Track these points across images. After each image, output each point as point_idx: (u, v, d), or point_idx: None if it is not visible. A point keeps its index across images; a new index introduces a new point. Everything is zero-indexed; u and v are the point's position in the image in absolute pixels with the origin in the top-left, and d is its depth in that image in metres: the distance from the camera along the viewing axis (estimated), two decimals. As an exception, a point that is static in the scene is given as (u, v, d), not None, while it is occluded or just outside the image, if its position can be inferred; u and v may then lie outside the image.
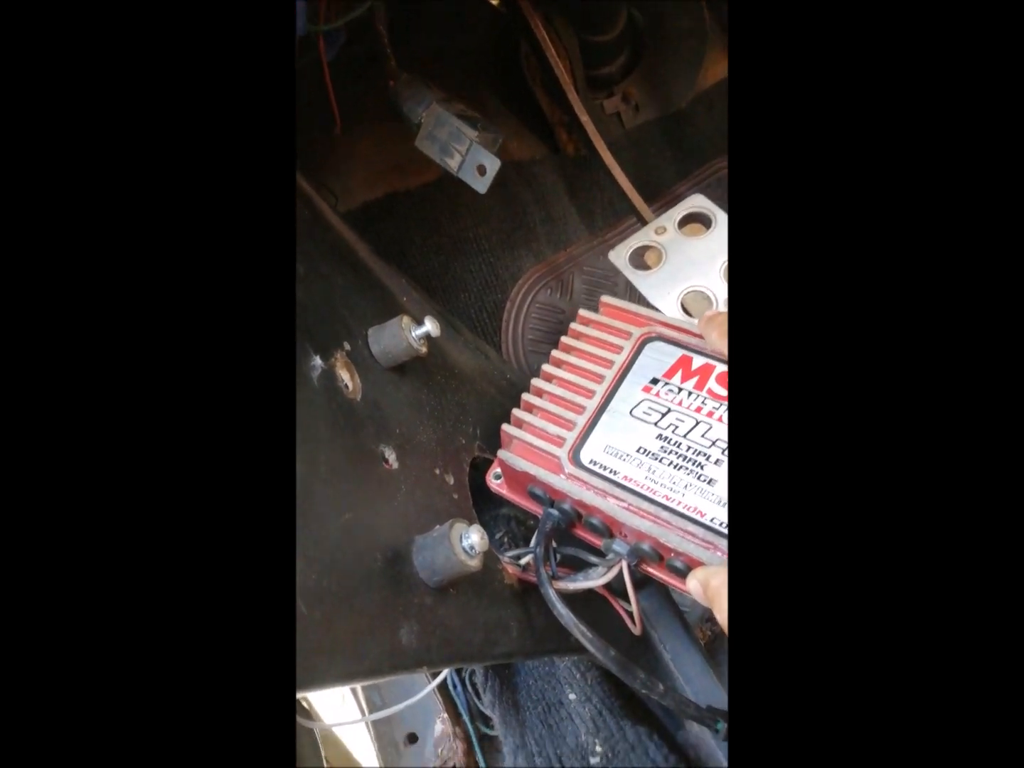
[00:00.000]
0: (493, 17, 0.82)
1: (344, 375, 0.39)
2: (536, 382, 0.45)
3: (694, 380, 0.42)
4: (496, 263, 0.76)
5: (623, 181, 0.70)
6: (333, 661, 0.29)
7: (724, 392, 0.41)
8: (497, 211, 0.79)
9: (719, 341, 0.40)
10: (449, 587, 0.37)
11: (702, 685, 0.49)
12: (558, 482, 0.41)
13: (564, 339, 0.47)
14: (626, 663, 0.38)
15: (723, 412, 0.40)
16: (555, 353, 0.46)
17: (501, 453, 0.43)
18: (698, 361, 0.42)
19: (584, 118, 0.72)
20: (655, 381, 0.42)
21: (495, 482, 0.46)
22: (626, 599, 0.42)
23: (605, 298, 0.48)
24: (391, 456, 0.40)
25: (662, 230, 0.65)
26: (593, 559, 0.42)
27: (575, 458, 0.41)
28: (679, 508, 0.38)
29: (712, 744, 0.48)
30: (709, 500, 0.38)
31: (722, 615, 0.32)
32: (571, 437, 0.42)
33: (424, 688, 0.51)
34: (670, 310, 0.61)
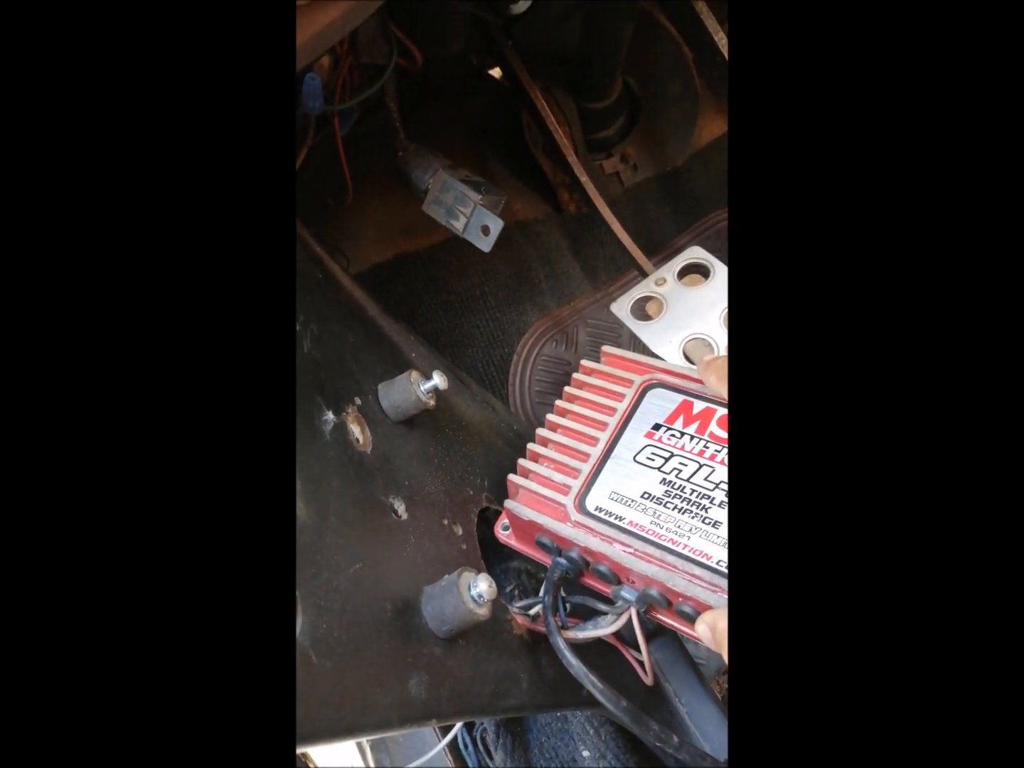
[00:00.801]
0: (496, 89, 0.87)
1: (355, 429, 0.41)
2: (541, 432, 0.46)
3: (696, 424, 0.43)
4: (503, 318, 0.79)
5: (623, 236, 0.72)
6: (341, 712, 0.30)
7: (725, 435, 0.41)
8: (503, 269, 0.82)
9: (718, 384, 0.41)
10: (459, 637, 0.37)
11: (719, 740, 0.47)
12: (564, 530, 0.41)
13: (567, 389, 0.48)
14: (639, 714, 0.38)
15: (725, 455, 0.41)
16: (559, 403, 0.47)
17: (508, 503, 0.44)
18: (699, 406, 0.43)
19: (584, 179, 0.75)
20: (657, 427, 0.43)
21: (503, 533, 0.46)
22: (638, 649, 0.42)
23: (606, 348, 0.49)
24: (400, 507, 0.40)
25: (662, 281, 0.67)
26: (602, 607, 0.42)
27: (581, 505, 0.42)
28: (685, 552, 0.38)
29: (734, 802, 0.46)
30: (714, 543, 0.38)
31: None
32: (576, 485, 0.42)
33: (435, 747, 0.50)
34: (672, 358, 0.62)
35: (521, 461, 0.46)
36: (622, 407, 0.45)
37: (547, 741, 0.50)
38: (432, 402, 0.44)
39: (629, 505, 0.41)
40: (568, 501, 0.42)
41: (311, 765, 0.54)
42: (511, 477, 0.45)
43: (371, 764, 0.56)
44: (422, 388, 0.44)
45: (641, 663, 0.43)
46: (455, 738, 0.52)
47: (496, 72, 0.87)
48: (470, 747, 0.52)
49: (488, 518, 0.48)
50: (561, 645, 0.39)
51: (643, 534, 0.39)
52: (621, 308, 0.66)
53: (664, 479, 0.41)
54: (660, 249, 0.86)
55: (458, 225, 0.56)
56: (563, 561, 0.42)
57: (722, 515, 0.39)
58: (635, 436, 0.43)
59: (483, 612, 0.35)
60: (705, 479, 0.40)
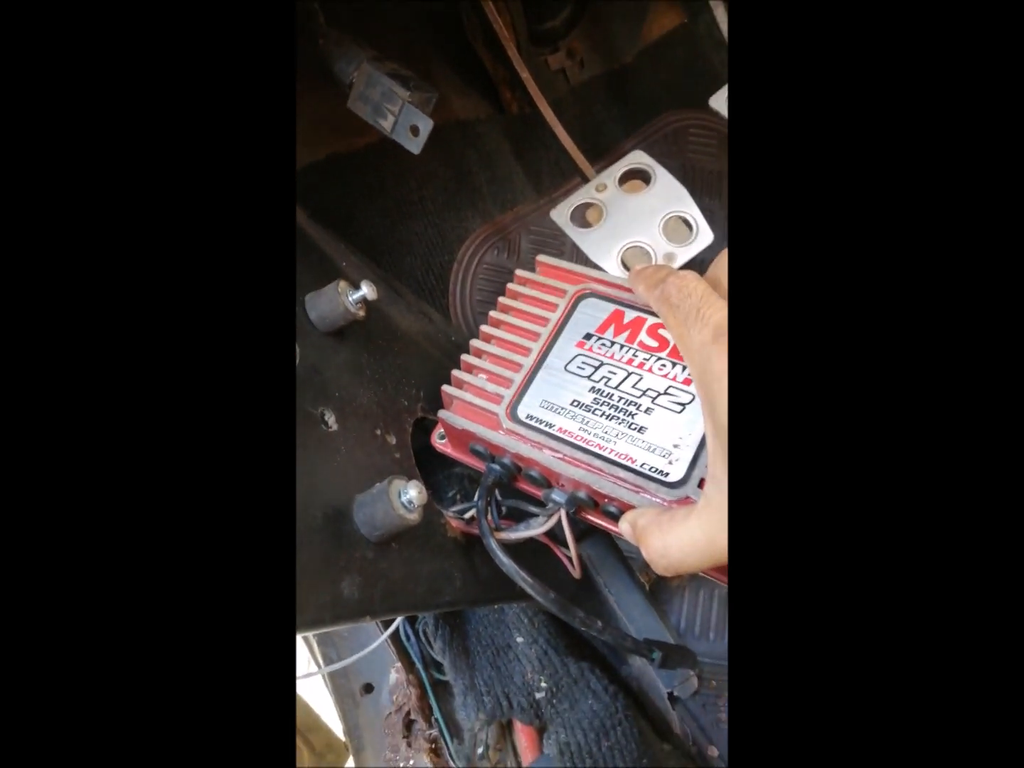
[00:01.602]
0: (431, -30, 0.80)
1: (281, 340, 0.40)
2: (475, 343, 0.46)
3: (626, 334, 0.43)
4: (442, 224, 0.76)
5: (565, 140, 0.69)
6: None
7: (655, 343, 0.42)
8: (442, 172, 0.78)
9: (646, 293, 0.41)
10: (391, 541, 0.38)
11: (645, 624, 0.51)
12: (496, 438, 0.42)
13: (502, 299, 0.48)
14: (566, 604, 0.40)
15: (654, 363, 0.42)
16: (493, 313, 0.47)
17: (442, 413, 0.44)
18: (630, 315, 0.44)
19: (525, 75, 0.71)
20: (589, 336, 0.44)
21: (439, 442, 0.47)
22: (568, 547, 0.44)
23: (541, 257, 0.48)
24: (331, 418, 0.40)
25: (603, 187, 0.65)
26: (534, 509, 0.43)
27: (513, 414, 0.42)
28: (611, 456, 0.40)
29: (653, 676, 0.51)
30: (639, 447, 0.39)
31: (647, 551, 0.34)
32: (509, 394, 0.43)
33: (376, 639, 0.53)
34: (611, 267, 0.62)
35: (455, 372, 0.46)
36: (555, 317, 0.45)
37: (484, 630, 0.53)
38: (362, 313, 0.43)
39: (559, 413, 0.42)
40: (500, 410, 0.42)
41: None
42: (445, 388, 0.45)
43: (319, 658, 0.59)
44: (350, 298, 0.43)
45: (571, 559, 0.45)
46: (397, 631, 0.55)
47: (432, -51, 0.79)
48: (411, 638, 0.55)
49: (427, 427, 0.49)
50: (493, 545, 0.41)
51: (572, 440, 0.41)
52: (561, 215, 0.65)
53: (593, 387, 0.42)
54: (606, 154, 0.84)
55: (386, 124, 0.52)
56: (496, 467, 0.43)
57: (647, 420, 0.40)
58: (567, 346, 0.44)
59: (413, 517, 0.36)
60: (633, 387, 0.41)
